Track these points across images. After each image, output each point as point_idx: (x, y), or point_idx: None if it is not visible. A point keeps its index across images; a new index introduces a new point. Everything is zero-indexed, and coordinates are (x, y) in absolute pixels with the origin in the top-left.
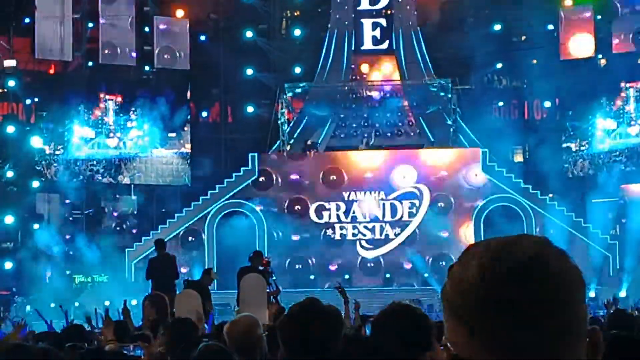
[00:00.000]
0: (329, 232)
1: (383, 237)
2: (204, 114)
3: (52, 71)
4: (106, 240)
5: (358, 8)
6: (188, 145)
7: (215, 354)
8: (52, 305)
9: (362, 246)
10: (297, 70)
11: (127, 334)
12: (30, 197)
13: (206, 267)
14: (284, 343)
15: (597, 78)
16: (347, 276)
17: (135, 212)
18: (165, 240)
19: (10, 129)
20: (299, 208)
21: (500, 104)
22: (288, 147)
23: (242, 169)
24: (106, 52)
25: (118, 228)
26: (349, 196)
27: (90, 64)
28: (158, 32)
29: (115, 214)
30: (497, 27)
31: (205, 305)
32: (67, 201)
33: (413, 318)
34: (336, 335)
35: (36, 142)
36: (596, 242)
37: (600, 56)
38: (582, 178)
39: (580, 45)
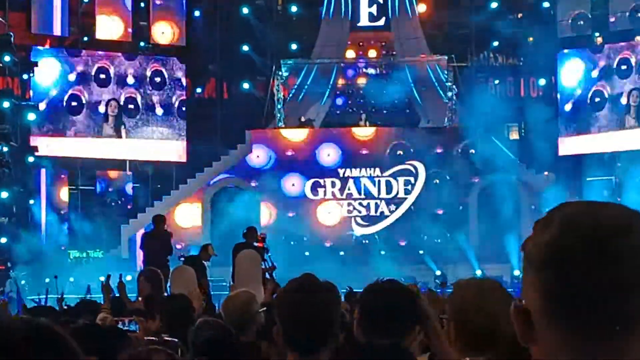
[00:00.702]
0: (324, 208)
1: (378, 214)
2: (199, 90)
3: (47, 46)
4: (101, 215)
5: None
6: (183, 122)
7: (214, 329)
8: (47, 280)
9: (357, 223)
10: (294, 47)
11: (124, 309)
12: (25, 172)
13: (203, 244)
14: (280, 319)
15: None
16: (342, 253)
17: (130, 188)
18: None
19: (6, 104)
20: (294, 185)
21: (496, 81)
22: (284, 124)
23: (237, 145)
24: (101, 27)
25: (113, 204)
26: (344, 173)
27: (85, 39)
28: (154, 7)
29: (110, 190)
30: (494, 4)
31: (200, 282)
32: (63, 176)
33: (399, 293)
34: (333, 312)
35: (31, 117)
36: None
37: (597, 34)
38: (577, 156)
39: (577, 23)
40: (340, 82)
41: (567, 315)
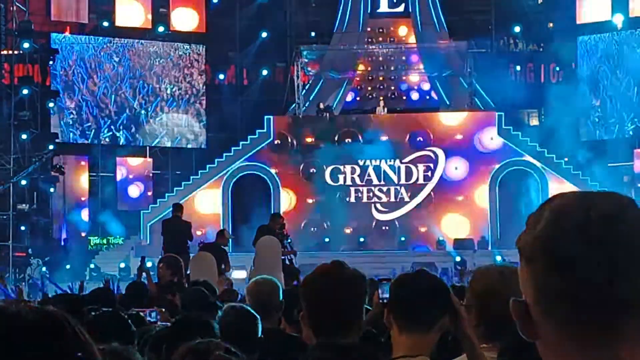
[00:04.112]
0: (344, 195)
1: (398, 200)
2: (220, 76)
3: (67, 33)
4: (121, 202)
5: None
6: (203, 108)
7: (242, 316)
8: (68, 267)
9: (377, 209)
10: (313, 33)
11: (144, 295)
12: (45, 159)
13: (220, 229)
14: (307, 304)
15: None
16: (362, 239)
17: (151, 174)
18: (181, 202)
19: (25, 92)
20: (314, 171)
21: (517, 67)
22: (303, 110)
23: (257, 131)
24: (121, 13)
25: (132, 190)
26: (364, 159)
27: (105, 24)
28: None
29: (131, 176)
30: None
31: (223, 267)
32: (83, 163)
33: (431, 280)
34: (359, 300)
35: (51, 104)
36: None
37: (619, 19)
38: (597, 142)
39: (597, 8)
40: (360, 68)
41: (559, 306)
